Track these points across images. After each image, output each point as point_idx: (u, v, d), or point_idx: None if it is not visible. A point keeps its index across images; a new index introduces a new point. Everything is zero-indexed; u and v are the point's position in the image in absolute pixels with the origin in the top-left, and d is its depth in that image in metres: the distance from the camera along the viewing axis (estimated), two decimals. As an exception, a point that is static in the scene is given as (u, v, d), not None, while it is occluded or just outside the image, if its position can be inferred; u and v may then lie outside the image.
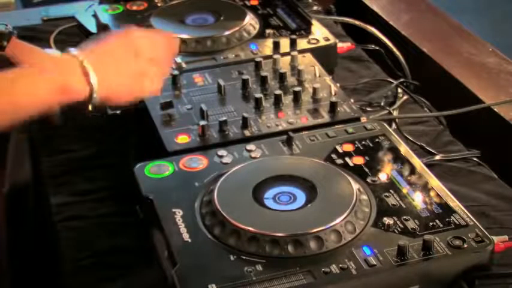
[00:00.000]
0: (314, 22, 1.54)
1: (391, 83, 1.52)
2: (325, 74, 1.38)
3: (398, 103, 1.47)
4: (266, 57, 1.42)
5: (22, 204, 1.52)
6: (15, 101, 0.95)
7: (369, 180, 1.11)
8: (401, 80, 1.53)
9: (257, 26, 1.53)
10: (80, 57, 1.00)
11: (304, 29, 1.52)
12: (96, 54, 1.03)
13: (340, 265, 0.96)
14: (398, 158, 1.16)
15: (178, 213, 1.05)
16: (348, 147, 1.19)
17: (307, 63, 1.40)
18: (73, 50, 1.01)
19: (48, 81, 0.97)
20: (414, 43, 1.70)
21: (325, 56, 1.45)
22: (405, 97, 1.49)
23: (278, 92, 1.30)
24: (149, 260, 1.08)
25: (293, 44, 1.46)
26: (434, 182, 1.11)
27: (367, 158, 1.16)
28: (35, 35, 1.73)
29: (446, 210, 1.05)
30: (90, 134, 1.41)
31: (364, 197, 1.07)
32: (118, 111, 1.38)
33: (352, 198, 1.04)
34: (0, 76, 0.95)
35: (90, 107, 1.01)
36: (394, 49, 1.62)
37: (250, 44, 1.48)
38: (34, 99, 0.97)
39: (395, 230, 1.01)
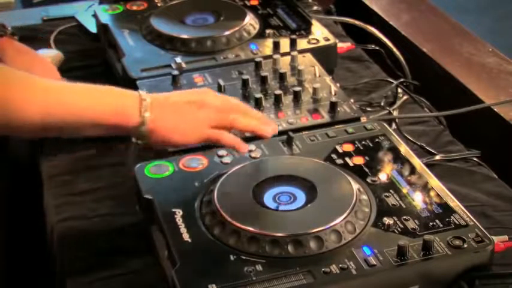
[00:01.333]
0: (314, 22, 1.54)
1: (391, 83, 1.52)
2: (325, 74, 1.38)
3: (398, 103, 1.47)
4: (266, 57, 1.42)
5: (22, 204, 1.53)
6: (74, 106, 1.00)
7: (369, 180, 1.11)
8: (401, 80, 1.53)
9: (257, 26, 1.53)
10: (142, 92, 1.05)
11: (304, 29, 1.52)
12: (159, 96, 1.07)
13: (340, 265, 0.96)
14: (398, 158, 1.16)
15: (178, 213, 1.05)
16: (348, 147, 1.19)
17: (307, 63, 1.40)
18: (141, 91, 1.06)
19: (109, 99, 1.03)
20: (414, 43, 1.70)
21: (325, 56, 1.45)
22: (405, 97, 1.49)
23: (278, 92, 1.30)
24: (149, 260, 1.09)
25: (293, 44, 1.46)
26: (434, 182, 1.11)
27: (367, 158, 1.16)
28: (35, 35, 1.73)
29: (446, 210, 1.05)
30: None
31: (364, 197, 1.07)
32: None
33: (352, 198, 1.04)
34: (66, 83, 1.01)
35: (134, 139, 1.05)
36: (394, 49, 1.62)
37: (250, 44, 1.48)
38: (91, 111, 1.00)
39: (395, 230, 1.01)
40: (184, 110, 1.07)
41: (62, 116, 0.99)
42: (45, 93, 0.98)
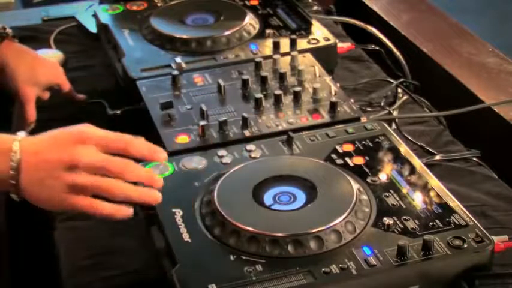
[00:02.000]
0: (314, 22, 1.54)
1: (391, 83, 1.52)
2: (325, 74, 1.38)
3: (398, 103, 1.47)
4: (266, 57, 1.42)
5: (22, 204, 1.52)
6: None
7: (369, 180, 1.11)
8: (401, 80, 1.53)
9: (257, 26, 1.53)
10: (11, 144, 0.94)
11: (304, 29, 1.52)
12: (30, 148, 0.95)
13: (340, 265, 0.96)
14: (398, 158, 1.16)
15: (178, 213, 1.05)
16: (348, 147, 1.19)
17: (307, 63, 1.40)
18: (20, 134, 0.96)
19: None
20: (414, 43, 1.70)
21: (325, 56, 1.45)
22: (405, 97, 1.49)
23: (278, 92, 1.30)
24: (149, 260, 1.09)
25: (293, 44, 1.46)
26: (434, 182, 1.11)
27: (367, 158, 1.16)
28: (35, 35, 1.73)
29: (446, 210, 1.05)
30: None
31: (364, 197, 1.07)
32: (118, 111, 1.38)
33: (352, 198, 1.04)
34: None
35: (13, 196, 0.96)
36: (394, 49, 1.62)
37: (250, 44, 1.48)
38: None
39: (396, 230, 1.01)
40: (55, 175, 0.93)
41: None
42: None
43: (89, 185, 0.94)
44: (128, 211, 0.98)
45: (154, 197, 1.00)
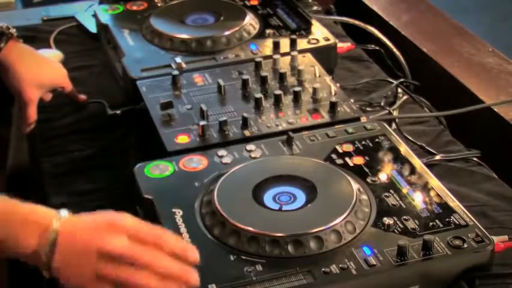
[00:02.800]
0: (314, 22, 1.54)
1: (391, 83, 1.52)
2: (325, 74, 1.38)
3: (398, 103, 1.47)
4: (266, 57, 1.42)
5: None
6: None
7: (369, 180, 1.11)
8: (401, 80, 1.53)
9: (257, 26, 1.53)
10: (50, 221, 0.93)
11: (304, 29, 1.52)
12: (71, 229, 0.93)
13: (340, 265, 0.96)
14: (398, 158, 1.16)
15: (178, 213, 1.05)
16: (348, 147, 1.19)
17: (307, 63, 1.40)
18: (63, 213, 0.95)
19: (13, 233, 0.92)
20: (414, 43, 1.70)
21: (325, 56, 1.45)
22: (405, 97, 1.49)
23: (278, 92, 1.30)
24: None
25: (293, 44, 1.46)
26: (434, 182, 1.11)
27: (367, 158, 1.16)
28: (35, 35, 1.73)
29: (446, 210, 1.05)
30: (90, 134, 1.41)
31: (364, 197, 1.07)
32: (118, 111, 1.38)
33: (352, 198, 1.04)
34: None
35: (44, 273, 0.94)
36: (394, 49, 1.62)
37: (250, 44, 1.48)
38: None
39: (396, 230, 1.01)
40: (88, 263, 0.91)
41: None
42: None
43: (115, 278, 0.91)
44: None
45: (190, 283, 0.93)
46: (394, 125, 1.40)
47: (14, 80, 1.36)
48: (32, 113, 1.37)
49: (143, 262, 0.90)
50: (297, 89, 1.31)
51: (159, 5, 1.63)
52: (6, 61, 1.36)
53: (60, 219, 0.94)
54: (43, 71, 1.39)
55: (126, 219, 0.94)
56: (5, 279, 1.51)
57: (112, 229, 0.93)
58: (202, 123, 1.23)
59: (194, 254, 0.92)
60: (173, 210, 1.06)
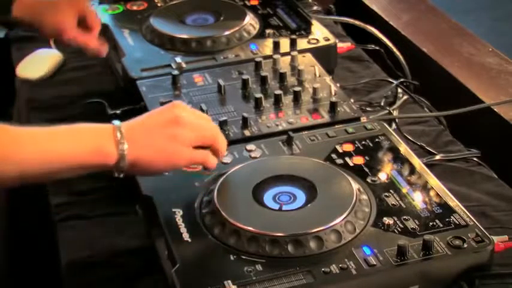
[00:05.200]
0: (314, 22, 1.54)
1: (391, 83, 1.52)
2: (325, 74, 1.38)
3: (398, 103, 1.47)
4: (266, 57, 1.42)
5: (22, 204, 1.53)
6: (52, 153, 0.96)
7: (369, 180, 1.11)
8: (401, 80, 1.53)
9: (257, 26, 1.53)
10: (115, 124, 1.00)
11: (304, 29, 1.52)
12: (132, 124, 1.02)
13: (340, 265, 0.96)
14: (398, 158, 1.16)
15: (178, 213, 1.05)
16: (348, 147, 1.19)
17: (307, 63, 1.40)
18: (115, 122, 1.01)
19: (84, 140, 0.98)
20: (414, 43, 1.70)
21: (325, 56, 1.45)
22: (405, 97, 1.49)
23: (278, 92, 1.30)
24: (149, 260, 1.09)
25: (293, 44, 1.46)
26: (434, 182, 1.11)
27: (367, 158, 1.16)
28: (35, 35, 1.73)
29: (446, 210, 1.05)
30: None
31: (364, 197, 1.07)
32: (118, 111, 1.38)
33: (352, 198, 1.04)
34: (38, 129, 0.96)
35: (116, 174, 1.00)
36: (394, 49, 1.62)
37: (250, 44, 1.48)
38: (70, 155, 0.97)
39: (395, 230, 1.01)
40: (163, 133, 1.01)
41: (39, 166, 0.95)
42: (19, 146, 0.93)
43: (199, 137, 1.03)
44: (216, 161, 1.08)
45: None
46: (394, 125, 1.39)
47: (46, 22, 1.38)
48: (93, 21, 1.41)
49: (211, 136, 1.05)
50: (297, 89, 1.31)
51: (159, 5, 1.63)
52: (26, 14, 1.36)
53: (119, 123, 1.01)
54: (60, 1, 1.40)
55: (185, 112, 1.05)
56: (5, 251, 1.52)
57: (173, 107, 1.05)
58: (202, 123, 1.22)
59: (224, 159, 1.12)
60: (173, 210, 1.06)
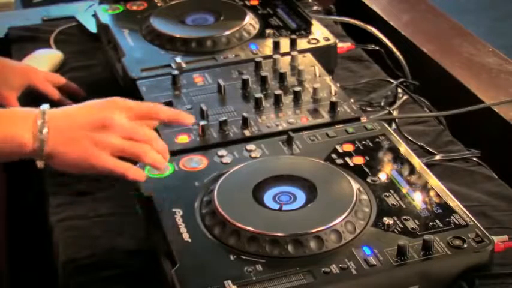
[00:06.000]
0: (314, 22, 1.54)
1: (391, 83, 1.52)
2: (325, 74, 1.38)
3: (398, 103, 1.47)
4: (266, 57, 1.42)
5: (22, 204, 1.53)
6: None
7: (369, 180, 1.11)
8: (401, 80, 1.53)
9: (257, 26, 1.53)
10: (37, 112, 0.98)
11: (304, 29, 1.52)
12: (58, 115, 0.99)
13: (340, 265, 0.96)
14: (398, 158, 1.16)
15: (178, 213, 1.05)
16: (348, 147, 1.19)
17: (307, 63, 1.40)
18: (43, 106, 0.99)
19: None
20: (414, 43, 1.70)
21: (325, 56, 1.45)
22: (405, 97, 1.49)
23: (278, 92, 1.30)
24: (149, 260, 1.09)
25: (293, 44, 1.46)
26: (434, 182, 1.11)
27: (367, 158, 1.16)
28: (35, 35, 1.73)
29: (446, 210, 1.05)
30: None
31: (364, 197, 1.07)
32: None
33: (352, 198, 1.04)
34: None
35: (38, 163, 0.99)
36: (394, 49, 1.62)
37: (250, 44, 1.48)
38: None
39: (395, 230, 1.01)
40: (86, 134, 0.98)
41: None
42: None
43: (119, 144, 0.99)
44: (143, 173, 1.05)
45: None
46: (394, 125, 1.40)
47: None
48: None
49: (142, 139, 1.01)
50: (297, 89, 1.31)
51: (159, 5, 1.63)
52: None
53: (46, 109, 0.99)
54: (8, 75, 1.41)
55: (123, 99, 1.02)
56: (4, 251, 1.51)
57: (111, 107, 1.01)
58: (202, 123, 1.23)
59: (189, 118, 1.07)
60: (173, 210, 1.06)
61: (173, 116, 1.07)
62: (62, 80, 1.47)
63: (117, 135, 1.00)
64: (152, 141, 1.04)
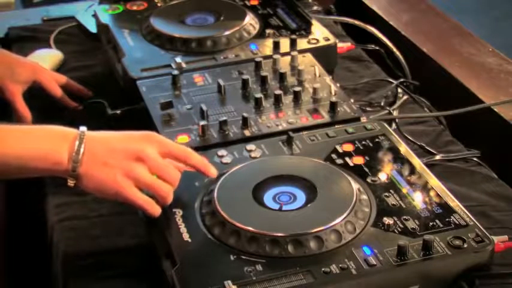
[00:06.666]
0: (314, 22, 1.54)
1: (391, 83, 1.52)
2: (325, 74, 1.38)
3: (398, 103, 1.47)
4: (266, 57, 1.42)
5: (22, 204, 1.53)
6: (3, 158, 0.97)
7: (369, 180, 1.11)
8: (401, 80, 1.53)
9: (257, 26, 1.53)
10: (76, 132, 1.00)
11: (304, 29, 1.52)
12: (97, 136, 1.02)
13: (340, 265, 0.96)
14: (398, 158, 1.16)
15: (178, 213, 1.05)
16: (348, 147, 1.19)
17: (307, 63, 1.40)
18: (82, 128, 1.01)
19: (35, 143, 0.98)
20: (414, 43, 1.70)
21: (325, 56, 1.45)
22: (405, 97, 1.49)
23: (278, 92, 1.30)
24: (149, 260, 1.09)
25: (293, 44, 1.46)
26: (434, 182, 1.11)
27: (367, 158, 1.16)
28: (35, 35, 1.73)
29: (446, 210, 1.05)
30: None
31: (364, 197, 1.07)
32: (118, 111, 1.38)
33: (352, 198, 1.04)
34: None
35: (70, 183, 1.01)
36: (394, 49, 1.62)
37: (250, 44, 1.48)
38: (15, 156, 0.97)
39: (395, 230, 1.01)
40: (120, 162, 1.00)
41: None
42: None
43: (148, 180, 1.02)
44: (159, 210, 1.05)
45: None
46: (394, 125, 1.40)
47: None
48: (21, 107, 1.40)
49: (170, 179, 1.04)
50: (297, 89, 1.31)
51: (159, 5, 1.63)
52: None
53: (85, 131, 1.01)
54: (15, 68, 1.42)
55: (158, 135, 1.06)
56: (2, 251, 1.52)
57: (147, 141, 1.03)
58: (202, 123, 1.23)
59: (214, 170, 1.09)
60: (173, 210, 1.06)
61: (201, 164, 1.08)
62: (65, 79, 1.47)
63: (147, 169, 1.02)
64: (176, 183, 1.06)
